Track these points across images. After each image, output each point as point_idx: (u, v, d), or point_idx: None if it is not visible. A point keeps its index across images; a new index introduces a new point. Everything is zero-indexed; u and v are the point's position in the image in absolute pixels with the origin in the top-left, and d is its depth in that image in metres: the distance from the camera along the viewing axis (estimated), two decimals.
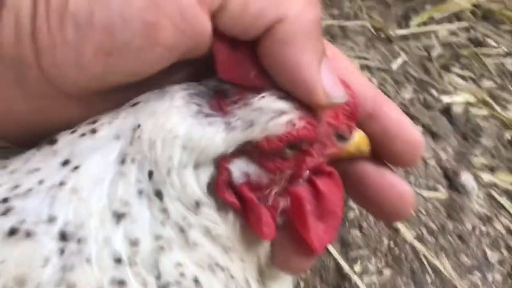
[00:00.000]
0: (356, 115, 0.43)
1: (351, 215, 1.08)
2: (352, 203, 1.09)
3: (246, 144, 0.39)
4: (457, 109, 1.37)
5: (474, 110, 1.36)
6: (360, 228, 1.06)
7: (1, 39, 0.35)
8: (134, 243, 0.37)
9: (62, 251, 0.36)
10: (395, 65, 1.46)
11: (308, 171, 0.42)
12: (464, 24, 1.63)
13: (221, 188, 0.39)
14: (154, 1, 0.35)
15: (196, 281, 0.38)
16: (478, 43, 1.58)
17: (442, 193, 1.17)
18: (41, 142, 0.40)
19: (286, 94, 0.39)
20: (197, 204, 0.39)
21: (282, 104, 0.39)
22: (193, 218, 0.39)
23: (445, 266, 1.04)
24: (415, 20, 1.58)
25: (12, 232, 0.36)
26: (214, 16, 0.37)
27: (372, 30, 1.54)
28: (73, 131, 0.39)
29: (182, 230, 0.38)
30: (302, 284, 0.97)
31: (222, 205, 0.40)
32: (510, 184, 1.22)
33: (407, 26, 1.58)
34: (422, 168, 1.22)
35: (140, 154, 0.38)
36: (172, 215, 0.38)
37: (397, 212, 0.45)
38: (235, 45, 0.39)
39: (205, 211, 0.39)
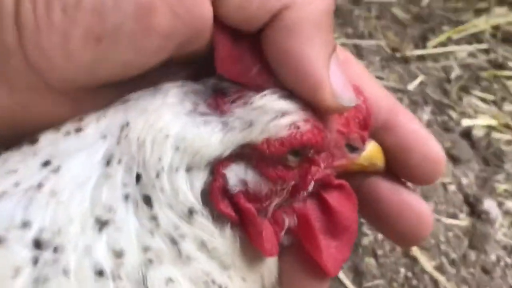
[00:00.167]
0: (369, 123, 0.40)
1: (365, 241, 1.03)
2: (365, 229, 1.03)
3: (244, 147, 0.36)
4: (478, 133, 1.35)
5: (496, 134, 1.34)
6: (375, 256, 1.01)
7: None
8: (118, 254, 0.34)
9: (35, 261, 0.33)
10: (412, 85, 1.43)
11: (313, 183, 0.39)
12: (483, 46, 1.62)
13: (215, 196, 0.36)
14: None
15: None
16: (498, 65, 1.56)
17: (464, 220, 1.14)
18: (22, 142, 0.37)
19: (291, 94, 0.36)
20: (191, 212, 0.35)
21: (285, 104, 0.36)
22: (186, 228, 0.35)
23: None
24: (432, 41, 1.57)
25: None
26: (216, 3, 0.34)
27: (388, 49, 1.52)
28: (57, 130, 0.37)
29: (174, 242, 0.35)
30: None
31: (218, 216, 0.37)
32: None
33: (424, 46, 1.56)
34: (442, 193, 1.17)
35: (128, 154, 0.35)
36: (163, 224, 0.35)
37: (414, 234, 0.41)
38: (237, 38, 0.36)
39: (199, 221, 0.36)
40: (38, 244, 0.33)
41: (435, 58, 1.53)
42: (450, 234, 1.10)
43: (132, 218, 0.34)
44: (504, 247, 1.08)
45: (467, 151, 1.28)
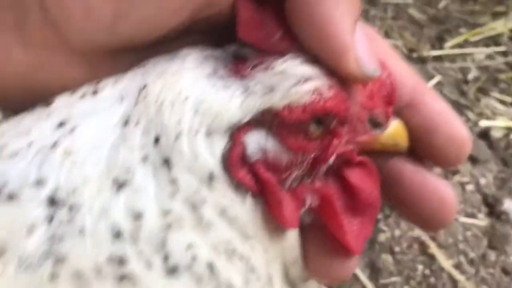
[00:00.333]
0: (393, 100, 0.38)
1: (381, 238, 1.01)
2: (382, 225, 1.02)
3: (265, 113, 0.35)
4: (496, 134, 1.33)
5: None
6: (392, 252, 0.99)
7: None
8: (137, 216, 0.33)
9: (50, 219, 0.32)
10: (429, 86, 1.41)
11: (334, 158, 0.37)
12: (501, 48, 1.60)
13: (234, 164, 0.35)
14: None
15: (210, 266, 0.34)
16: None
17: (482, 220, 1.12)
18: (36, 105, 0.36)
19: (314, 59, 0.35)
20: (211, 178, 0.34)
21: (308, 69, 0.35)
22: (206, 193, 0.34)
23: None
24: (449, 42, 1.55)
25: None
26: None
27: (404, 50, 1.51)
28: (72, 93, 0.36)
29: (194, 207, 0.34)
30: None
31: (238, 185, 0.35)
32: None
33: (441, 47, 1.55)
34: (460, 193, 1.15)
35: (146, 116, 0.34)
36: (182, 188, 0.34)
37: (437, 218, 0.40)
38: (259, 3, 0.35)
39: (219, 187, 0.34)
40: (53, 202, 0.32)
41: (452, 59, 1.52)
42: (469, 233, 1.08)
43: (151, 180, 0.33)
44: None
45: (485, 151, 1.26)
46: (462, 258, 1.03)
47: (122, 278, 0.32)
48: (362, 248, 0.39)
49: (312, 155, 0.37)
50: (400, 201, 0.41)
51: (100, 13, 0.33)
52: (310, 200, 0.38)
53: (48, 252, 0.31)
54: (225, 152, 0.35)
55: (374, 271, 0.96)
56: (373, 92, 0.38)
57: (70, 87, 0.36)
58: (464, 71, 1.49)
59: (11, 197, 0.32)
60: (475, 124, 1.34)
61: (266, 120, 0.35)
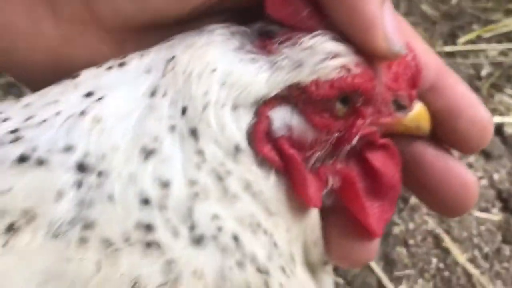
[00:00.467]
0: (418, 82, 0.38)
1: (396, 230, 1.00)
2: (396, 218, 1.01)
3: (292, 88, 0.35)
4: (510, 130, 1.32)
5: None
6: (406, 245, 0.98)
7: None
8: (165, 184, 0.33)
9: (79, 184, 0.32)
10: None
11: (358, 138, 0.37)
12: None
13: (259, 139, 0.35)
14: None
15: (235, 238, 0.34)
16: None
17: (496, 215, 1.11)
18: (62, 79, 0.37)
19: (342, 37, 0.35)
20: (236, 150, 0.34)
21: (336, 46, 0.35)
22: (232, 166, 0.34)
23: None
24: (462, 38, 1.54)
25: (22, 159, 0.32)
26: None
27: None
28: (99, 66, 0.36)
29: (219, 178, 0.34)
30: None
31: (263, 160, 0.35)
32: None
33: (453, 43, 1.54)
34: None
35: (173, 87, 0.34)
36: (209, 159, 0.34)
37: (458, 204, 0.40)
38: None
39: (245, 161, 0.34)
40: (82, 168, 0.32)
41: (464, 55, 1.51)
42: (483, 228, 1.07)
43: (178, 150, 0.33)
44: None
45: (499, 147, 1.25)
46: (476, 252, 1.02)
47: (149, 245, 0.32)
48: (383, 230, 0.39)
49: (336, 135, 0.37)
50: (421, 186, 0.40)
51: None
52: (332, 182, 0.38)
53: (77, 218, 0.31)
54: (251, 127, 0.35)
55: (388, 264, 0.95)
56: (398, 74, 0.37)
57: (97, 63, 0.36)
58: (477, 67, 1.49)
59: (41, 162, 0.32)
60: None
61: (292, 96, 0.35)
